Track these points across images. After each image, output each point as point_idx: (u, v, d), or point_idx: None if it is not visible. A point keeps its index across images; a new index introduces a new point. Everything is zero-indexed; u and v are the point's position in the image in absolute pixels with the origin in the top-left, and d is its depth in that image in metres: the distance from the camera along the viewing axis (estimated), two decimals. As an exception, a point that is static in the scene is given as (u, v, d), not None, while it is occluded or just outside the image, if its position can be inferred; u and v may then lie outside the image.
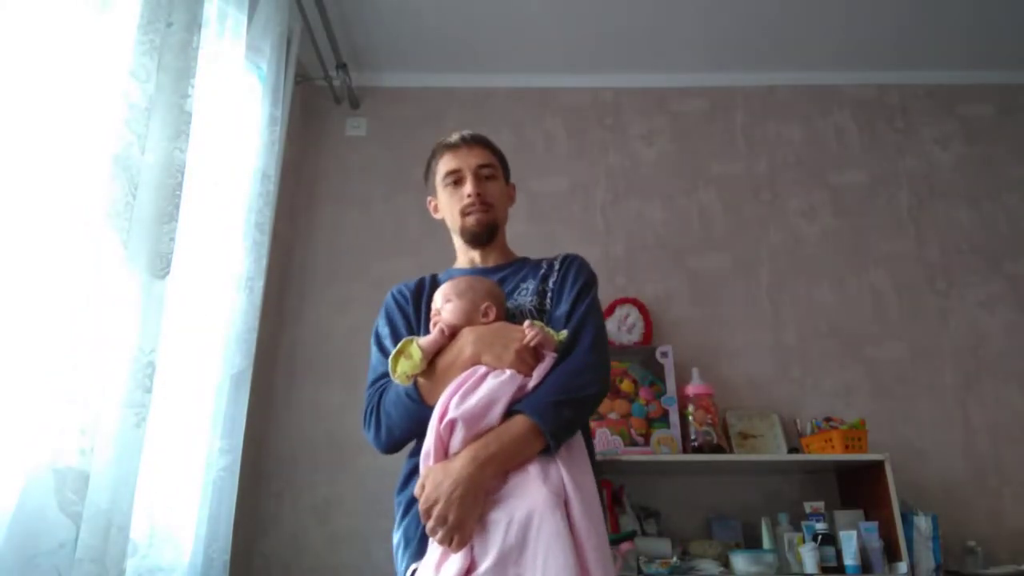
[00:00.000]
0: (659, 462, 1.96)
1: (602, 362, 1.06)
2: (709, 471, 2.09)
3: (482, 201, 1.23)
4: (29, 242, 1.08)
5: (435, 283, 1.22)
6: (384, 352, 1.12)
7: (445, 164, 1.26)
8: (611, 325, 2.25)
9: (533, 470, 0.90)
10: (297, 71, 2.33)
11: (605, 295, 2.35)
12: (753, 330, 2.34)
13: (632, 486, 2.07)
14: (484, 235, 1.24)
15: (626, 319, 2.25)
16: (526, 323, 1.03)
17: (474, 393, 0.94)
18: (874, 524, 1.84)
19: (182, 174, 1.34)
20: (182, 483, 1.50)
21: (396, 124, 2.64)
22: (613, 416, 2.08)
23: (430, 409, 0.97)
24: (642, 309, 2.29)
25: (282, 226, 2.33)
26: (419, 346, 1.00)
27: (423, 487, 0.91)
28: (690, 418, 2.05)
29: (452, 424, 0.92)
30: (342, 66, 2.49)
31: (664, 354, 2.18)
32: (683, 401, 2.10)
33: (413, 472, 1.04)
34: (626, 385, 2.14)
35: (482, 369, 0.98)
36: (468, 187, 1.22)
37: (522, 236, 2.48)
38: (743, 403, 2.23)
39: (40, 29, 1.14)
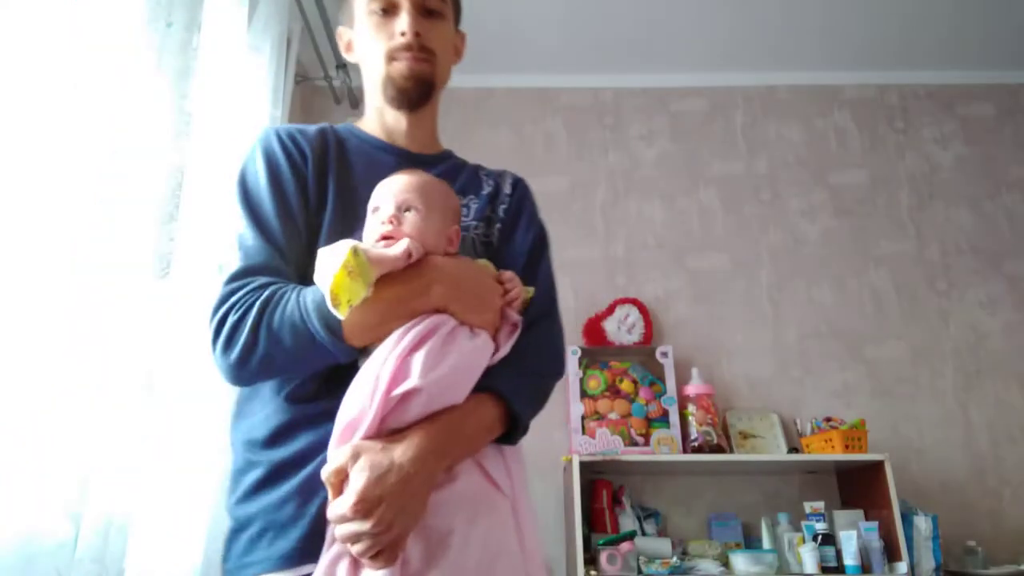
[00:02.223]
0: (659, 462, 1.96)
1: (562, 342, 0.87)
2: (709, 471, 2.09)
3: (421, 45, 0.86)
4: (27, 242, 1.07)
5: (339, 141, 0.89)
6: (263, 231, 0.76)
7: None
8: (611, 325, 2.25)
9: (485, 465, 0.71)
10: (297, 71, 2.33)
11: (605, 295, 2.37)
12: (753, 330, 2.34)
13: (632, 486, 2.07)
14: (415, 92, 0.88)
15: (626, 319, 2.25)
16: (506, 274, 0.79)
17: (445, 358, 0.67)
18: (874, 524, 1.84)
19: (182, 174, 1.34)
20: (181, 483, 1.50)
21: (396, 124, 2.63)
22: (613, 416, 2.08)
23: (347, 351, 0.68)
24: (642, 309, 2.29)
25: (282, 226, 2.32)
26: (369, 262, 0.66)
27: (344, 471, 0.61)
28: (690, 418, 2.05)
29: (411, 395, 0.64)
30: (342, 66, 2.48)
31: (664, 354, 2.18)
32: (683, 401, 2.10)
33: (297, 425, 0.71)
34: (626, 385, 2.14)
35: (449, 323, 0.70)
36: (404, 21, 0.85)
37: (522, 236, 2.49)
38: (743, 403, 2.23)
39: (39, 29, 1.13)
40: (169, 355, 1.43)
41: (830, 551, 1.81)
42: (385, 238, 0.72)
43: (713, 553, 1.89)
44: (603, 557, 1.76)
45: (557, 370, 0.84)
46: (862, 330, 2.34)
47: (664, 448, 2.01)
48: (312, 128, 0.89)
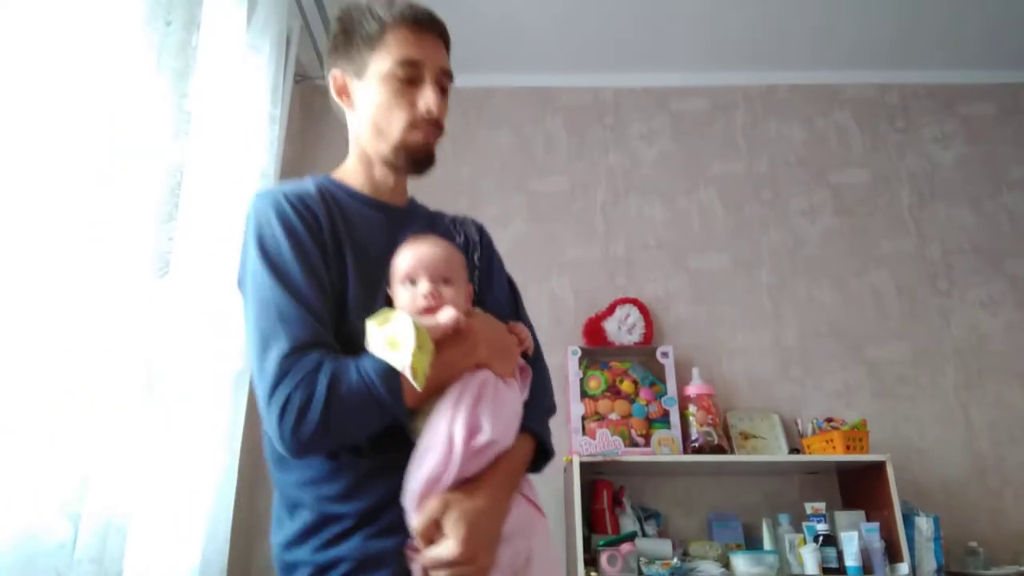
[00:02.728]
0: (660, 463, 1.96)
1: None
2: (710, 472, 2.09)
3: (437, 122, 0.90)
4: (27, 241, 1.07)
5: (334, 200, 0.89)
6: (302, 302, 0.76)
7: (402, 47, 0.88)
8: (611, 325, 2.24)
9: (526, 492, 0.81)
10: (296, 70, 2.32)
11: (605, 295, 2.36)
12: (754, 330, 2.33)
13: (632, 487, 2.06)
14: (426, 164, 0.92)
15: (626, 319, 2.25)
16: (517, 326, 0.89)
17: (502, 408, 0.77)
18: (875, 525, 1.84)
19: (181, 173, 1.34)
20: (181, 483, 1.50)
21: (396, 124, 2.63)
22: (614, 416, 2.08)
23: (406, 411, 0.74)
24: (642, 309, 2.28)
25: (282, 226, 2.32)
26: (428, 333, 0.73)
27: (437, 521, 0.69)
28: (691, 419, 2.04)
29: (487, 447, 0.73)
30: (342, 66, 2.48)
31: (664, 354, 2.18)
32: (684, 401, 2.10)
33: (369, 477, 0.77)
34: (627, 386, 2.14)
35: (492, 377, 0.79)
36: (429, 98, 0.87)
37: (522, 236, 2.49)
38: (744, 403, 2.23)
39: (38, 28, 1.13)
40: (168, 355, 1.43)
41: (831, 552, 1.81)
42: (428, 310, 0.80)
43: (714, 554, 1.89)
44: (603, 558, 1.75)
45: (554, 403, 0.95)
46: (863, 330, 2.33)
47: (665, 449, 2.01)
48: (311, 190, 0.88)
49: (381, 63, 0.88)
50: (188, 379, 1.54)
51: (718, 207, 2.52)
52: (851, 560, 1.77)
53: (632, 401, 2.11)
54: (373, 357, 0.72)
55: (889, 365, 2.28)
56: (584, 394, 2.12)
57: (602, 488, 1.97)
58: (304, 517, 0.81)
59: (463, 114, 2.64)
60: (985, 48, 2.57)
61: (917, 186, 2.54)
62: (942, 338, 2.32)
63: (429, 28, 0.91)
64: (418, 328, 0.71)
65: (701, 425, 2.01)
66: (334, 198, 0.89)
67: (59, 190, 1.12)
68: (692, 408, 2.06)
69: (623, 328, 2.24)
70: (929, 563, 1.83)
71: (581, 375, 2.14)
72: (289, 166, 2.31)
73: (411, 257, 0.82)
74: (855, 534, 1.80)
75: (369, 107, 0.90)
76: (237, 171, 1.80)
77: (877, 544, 1.81)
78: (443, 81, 0.92)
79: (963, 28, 2.47)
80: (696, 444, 1.99)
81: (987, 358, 2.29)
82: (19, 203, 1.07)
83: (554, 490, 2.07)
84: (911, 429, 2.20)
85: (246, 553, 2.03)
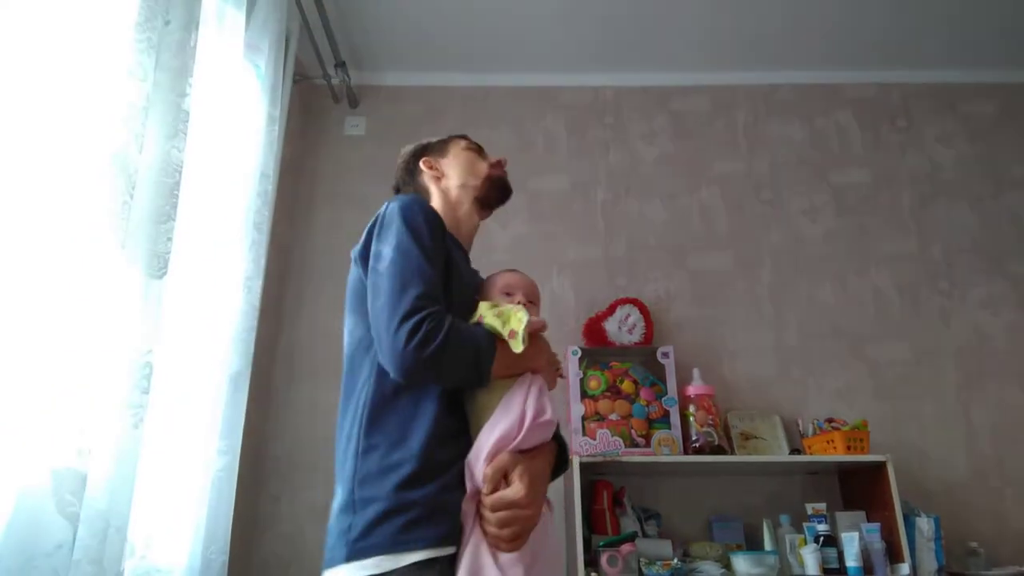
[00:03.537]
0: (660, 463, 1.95)
1: None
2: (710, 472, 2.08)
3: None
4: (26, 242, 1.07)
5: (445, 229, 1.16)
6: (430, 272, 0.95)
7: (464, 143, 1.29)
8: (611, 325, 2.24)
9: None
10: (296, 70, 2.32)
11: (606, 295, 2.36)
12: (754, 330, 2.33)
13: (633, 487, 2.06)
14: (505, 195, 1.26)
15: (627, 319, 2.24)
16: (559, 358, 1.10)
17: (550, 403, 0.98)
18: (876, 525, 1.83)
19: (180, 173, 1.33)
20: (180, 484, 1.50)
21: (395, 123, 2.63)
22: (614, 417, 2.07)
23: (487, 372, 0.93)
24: (643, 309, 2.28)
25: (281, 226, 2.32)
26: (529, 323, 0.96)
27: (506, 471, 0.90)
28: (691, 419, 2.04)
29: (546, 425, 0.94)
30: (341, 65, 2.48)
31: (665, 354, 2.17)
32: (684, 402, 2.09)
33: (445, 438, 0.93)
34: (627, 386, 2.13)
35: (539, 380, 1.00)
36: (499, 159, 1.28)
37: (522, 236, 2.49)
38: (744, 404, 2.23)
39: (38, 28, 1.13)
40: (168, 355, 1.43)
41: (832, 552, 1.80)
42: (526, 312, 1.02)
43: (714, 555, 1.89)
44: (604, 559, 1.75)
45: None
46: (864, 330, 2.33)
47: (665, 449, 2.00)
48: (433, 210, 1.11)
49: (455, 146, 1.28)
50: (188, 379, 1.54)
51: (719, 207, 2.51)
52: (852, 561, 1.77)
53: (632, 401, 2.11)
54: (483, 326, 0.95)
55: (890, 365, 2.28)
56: (584, 394, 2.11)
57: (602, 488, 1.97)
58: (383, 455, 0.92)
59: (463, 113, 2.63)
60: (987, 47, 2.56)
61: (918, 186, 2.53)
62: (943, 338, 2.31)
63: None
64: (528, 313, 0.97)
65: (702, 425, 2.00)
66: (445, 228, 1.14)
67: (58, 190, 1.12)
68: (693, 408, 2.05)
69: (623, 328, 2.24)
70: (930, 563, 1.83)
71: (581, 375, 2.13)
72: (288, 166, 2.31)
73: (511, 278, 1.11)
74: (856, 535, 1.80)
75: (456, 165, 1.25)
76: (236, 171, 1.79)
77: (878, 545, 1.80)
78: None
79: (964, 27, 2.46)
80: (697, 444, 1.99)
81: (988, 358, 2.28)
82: (18, 203, 1.07)
83: (554, 490, 2.05)
84: (912, 429, 2.19)
85: (246, 553, 2.03)
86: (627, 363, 2.19)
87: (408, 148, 1.31)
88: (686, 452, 2.02)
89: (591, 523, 1.93)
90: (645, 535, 1.94)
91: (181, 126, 1.35)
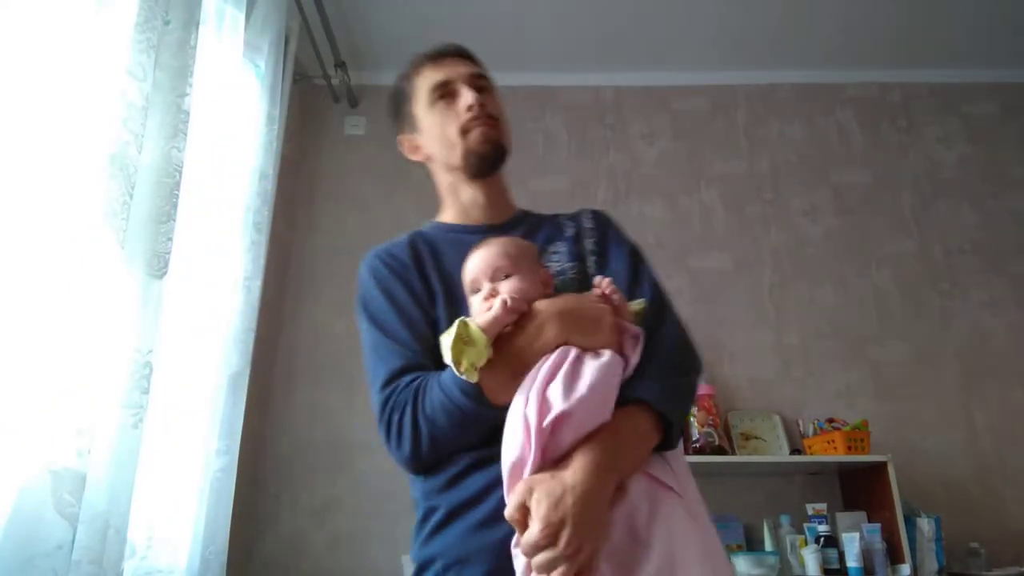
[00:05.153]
0: (660, 463, 1.95)
1: (689, 336, 0.88)
2: (710, 472, 2.08)
3: (487, 113, 0.96)
4: (25, 242, 1.07)
5: (428, 242, 0.97)
6: (393, 338, 0.85)
7: (428, 79, 0.99)
8: (612, 325, 2.24)
9: (651, 472, 0.73)
10: (295, 69, 2.32)
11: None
12: (755, 330, 2.33)
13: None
14: (493, 155, 0.97)
15: (627, 319, 2.24)
16: (602, 281, 0.82)
17: (579, 380, 0.72)
18: (877, 526, 1.83)
19: (180, 173, 1.33)
20: (180, 485, 1.49)
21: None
22: (614, 417, 2.08)
23: (496, 411, 0.74)
24: (643, 309, 2.27)
25: (280, 226, 2.32)
26: (480, 328, 0.74)
27: (524, 506, 0.65)
28: (692, 419, 2.03)
29: (561, 421, 0.69)
30: (340, 64, 2.48)
31: (665, 354, 2.17)
32: (684, 402, 2.09)
33: (468, 470, 0.78)
34: (627, 386, 2.14)
35: (573, 352, 0.75)
36: (467, 97, 0.95)
37: (522, 236, 2.48)
38: (745, 404, 2.22)
39: (37, 27, 1.13)
40: (167, 355, 1.42)
41: (832, 553, 1.80)
42: (487, 300, 0.80)
43: (715, 555, 1.88)
44: (604, 559, 1.75)
45: (693, 365, 0.85)
46: (865, 330, 2.32)
47: (665, 449, 2.00)
48: (403, 241, 0.98)
49: (420, 103, 1.00)
50: (186, 380, 1.54)
51: (719, 207, 2.51)
52: (852, 561, 1.77)
53: (633, 401, 2.11)
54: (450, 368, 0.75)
55: (891, 365, 2.27)
56: (584, 394, 2.11)
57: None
58: (417, 513, 0.84)
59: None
60: (988, 47, 2.56)
61: (919, 186, 2.53)
62: (944, 338, 2.31)
63: (444, 55, 1.00)
64: (463, 324, 0.74)
65: (702, 426, 2.00)
66: (429, 239, 0.98)
67: (56, 189, 1.11)
68: (693, 409, 2.05)
69: (624, 328, 2.24)
70: (930, 564, 1.82)
71: (581, 375, 2.13)
72: (288, 166, 2.31)
73: (468, 268, 0.85)
74: (856, 535, 1.79)
75: (430, 139, 1.00)
76: (236, 171, 1.79)
77: (878, 545, 1.80)
78: (478, 83, 0.99)
79: (966, 27, 2.46)
80: (697, 445, 1.98)
81: (989, 359, 2.28)
82: (18, 204, 1.07)
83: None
84: (913, 430, 2.19)
85: (246, 553, 2.02)
86: (627, 363, 2.19)
87: (388, 110, 1.08)
88: (686, 452, 2.01)
89: (591, 523, 1.93)
90: (645, 535, 1.94)
91: (181, 126, 1.35)
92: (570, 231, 0.97)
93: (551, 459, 0.69)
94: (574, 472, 0.66)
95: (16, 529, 0.96)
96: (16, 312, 1.04)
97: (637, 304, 0.84)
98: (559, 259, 0.93)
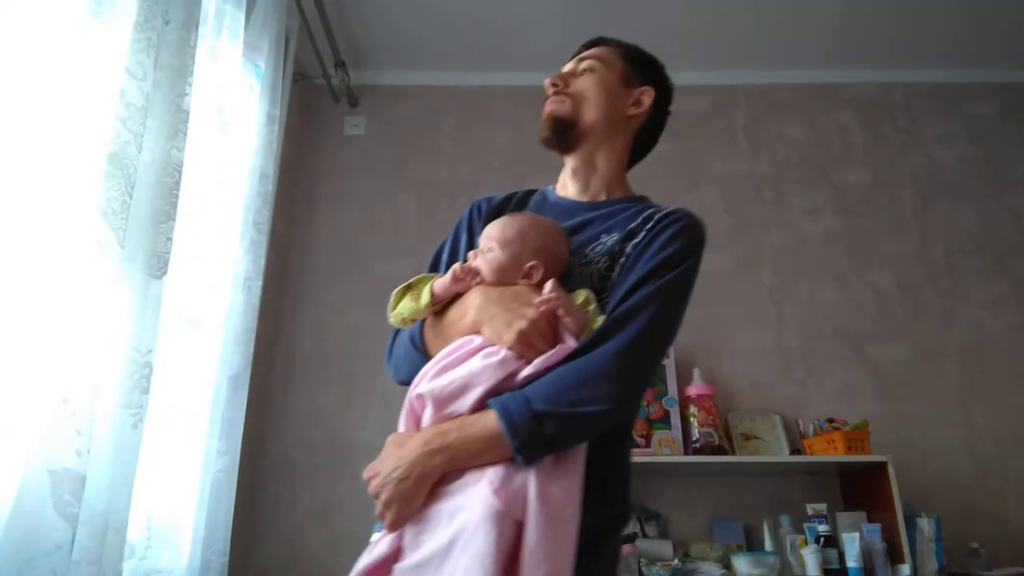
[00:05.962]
0: (660, 463, 1.95)
1: (628, 373, 0.78)
2: (711, 473, 2.08)
3: (559, 90, 1.04)
4: (25, 242, 1.07)
5: (524, 203, 1.08)
6: (432, 268, 0.99)
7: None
8: (612, 325, 2.24)
9: (492, 473, 0.73)
10: (295, 69, 2.32)
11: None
12: (755, 330, 2.32)
13: (633, 488, 2.05)
14: (549, 130, 1.04)
15: (627, 319, 2.24)
16: (548, 286, 0.81)
17: (453, 370, 0.79)
18: (877, 526, 1.83)
19: (179, 173, 1.33)
20: (179, 485, 1.49)
21: (395, 123, 2.62)
22: (614, 417, 2.07)
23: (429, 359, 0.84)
24: (643, 309, 2.27)
25: (280, 226, 2.32)
26: (431, 289, 0.87)
27: (375, 467, 0.81)
28: (692, 419, 2.03)
29: (420, 399, 0.80)
30: (340, 64, 2.47)
31: (665, 355, 2.17)
32: (684, 402, 2.09)
33: None
34: (627, 386, 2.13)
35: (477, 341, 0.80)
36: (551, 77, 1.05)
37: (523, 236, 2.48)
38: (745, 404, 2.22)
39: (37, 27, 1.12)
40: (167, 355, 1.42)
41: (832, 553, 1.80)
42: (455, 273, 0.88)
43: (715, 555, 1.88)
44: (604, 559, 1.74)
45: (579, 403, 0.75)
46: (865, 330, 2.32)
47: (665, 449, 2.00)
48: (500, 196, 1.11)
49: None
50: (186, 380, 1.54)
51: (719, 207, 2.51)
52: (852, 561, 1.76)
53: (633, 401, 2.10)
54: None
55: (891, 366, 2.27)
56: (584, 394, 2.11)
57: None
58: None
59: (463, 113, 2.63)
60: (988, 47, 2.55)
61: (919, 186, 2.53)
62: (944, 339, 2.31)
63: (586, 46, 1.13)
64: (422, 278, 0.90)
65: (702, 426, 2.00)
66: (527, 200, 1.11)
67: (56, 189, 1.11)
68: (693, 409, 2.05)
69: (624, 328, 2.23)
70: (931, 564, 1.82)
71: (581, 375, 2.13)
72: (287, 166, 2.31)
73: (482, 234, 0.94)
74: (856, 535, 1.79)
75: None
76: (236, 171, 1.79)
77: (879, 545, 1.80)
78: (582, 64, 1.08)
79: (967, 27, 2.46)
80: (697, 445, 1.98)
81: (989, 359, 2.28)
82: (18, 203, 1.07)
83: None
84: (913, 430, 2.19)
85: (245, 555, 2.02)
86: (627, 363, 2.18)
87: None
88: (686, 452, 2.01)
89: (591, 523, 1.93)
90: (645, 536, 1.94)
91: (181, 126, 1.35)
92: (633, 224, 0.95)
93: (420, 426, 0.81)
94: (409, 444, 0.78)
95: (16, 529, 0.96)
96: (16, 312, 1.04)
97: (597, 320, 0.83)
98: (599, 250, 0.92)
